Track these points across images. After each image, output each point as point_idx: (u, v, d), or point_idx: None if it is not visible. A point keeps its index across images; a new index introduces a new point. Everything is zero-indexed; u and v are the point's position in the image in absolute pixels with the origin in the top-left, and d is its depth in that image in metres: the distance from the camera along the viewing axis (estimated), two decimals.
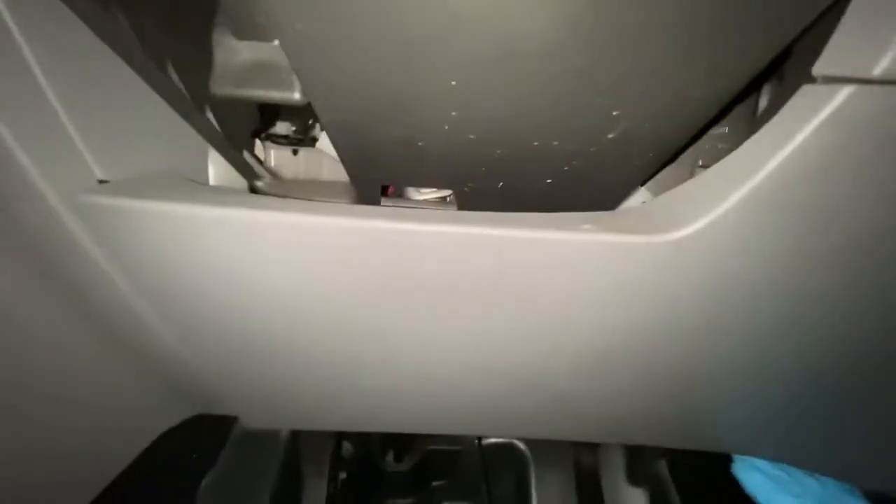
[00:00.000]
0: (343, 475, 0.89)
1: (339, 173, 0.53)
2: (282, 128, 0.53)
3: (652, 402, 0.43)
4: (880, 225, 0.25)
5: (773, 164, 0.24)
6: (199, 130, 0.34)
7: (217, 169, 0.41)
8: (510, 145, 0.28)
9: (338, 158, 0.50)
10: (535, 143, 0.27)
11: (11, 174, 0.26)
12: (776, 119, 0.24)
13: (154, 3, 0.27)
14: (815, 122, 0.22)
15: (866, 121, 0.21)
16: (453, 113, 0.25)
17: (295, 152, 0.54)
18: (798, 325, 0.32)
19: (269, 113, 0.50)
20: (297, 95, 0.30)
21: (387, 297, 0.32)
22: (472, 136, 0.27)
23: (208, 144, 0.40)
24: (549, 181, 0.32)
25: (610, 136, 0.27)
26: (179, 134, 0.37)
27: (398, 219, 0.28)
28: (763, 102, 0.37)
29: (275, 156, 0.54)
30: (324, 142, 0.52)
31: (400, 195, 0.48)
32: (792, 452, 0.49)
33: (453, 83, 0.22)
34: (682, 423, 0.47)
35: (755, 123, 0.33)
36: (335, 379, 0.42)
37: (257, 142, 0.52)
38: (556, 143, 0.27)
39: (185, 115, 0.32)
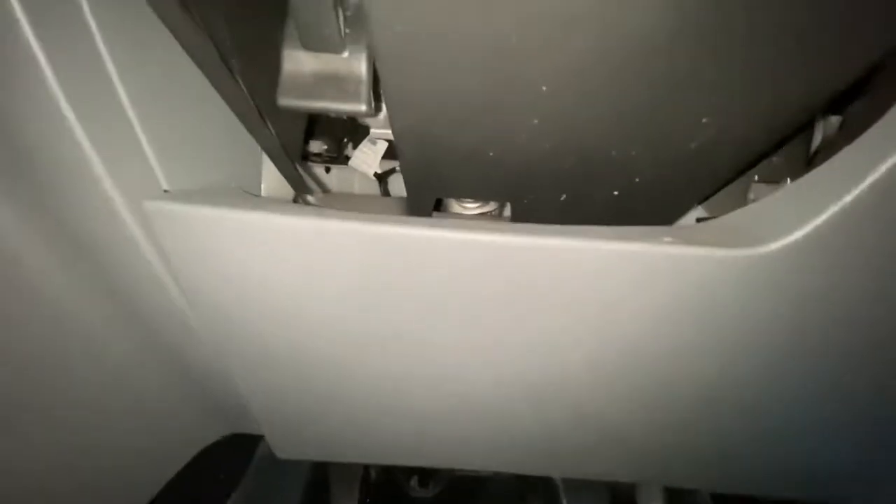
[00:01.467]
0: (369, 500, 0.87)
1: (369, 190, 0.53)
2: (315, 146, 0.54)
3: (712, 439, 0.41)
4: None
5: (874, 175, 0.22)
6: (260, 142, 0.34)
7: (267, 183, 0.41)
8: (586, 155, 0.27)
9: (369, 175, 0.50)
10: (613, 153, 0.27)
11: (84, 178, 0.26)
12: (877, 128, 0.23)
13: (227, 7, 0.27)
14: None
15: None
16: (535, 121, 0.24)
17: (328, 170, 0.54)
18: (886, 355, 0.30)
19: (305, 132, 0.51)
20: (364, 107, 0.30)
21: (435, 318, 0.31)
22: (548, 146, 0.26)
23: (262, 157, 0.40)
24: (615, 193, 0.31)
25: (693, 145, 0.26)
26: (239, 145, 0.37)
27: (469, 230, 0.27)
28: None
29: (308, 174, 0.54)
30: (355, 160, 0.52)
31: (443, 210, 0.48)
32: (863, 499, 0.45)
33: (544, 88, 0.22)
34: (741, 464, 0.44)
35: (843, 135, 0.32)
36: (372, 409, 0.41)
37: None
38: (634, 152, 0.26)
39: (248, 126, 0.32)
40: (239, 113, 0.31)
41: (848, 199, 0.23)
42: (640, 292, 0.28)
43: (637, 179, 0.30)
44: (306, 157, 0.53)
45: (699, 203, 0.40)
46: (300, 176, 0.39)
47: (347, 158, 0.52)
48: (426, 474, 0.91)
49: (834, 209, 0.24)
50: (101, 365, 0.37)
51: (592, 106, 0.24)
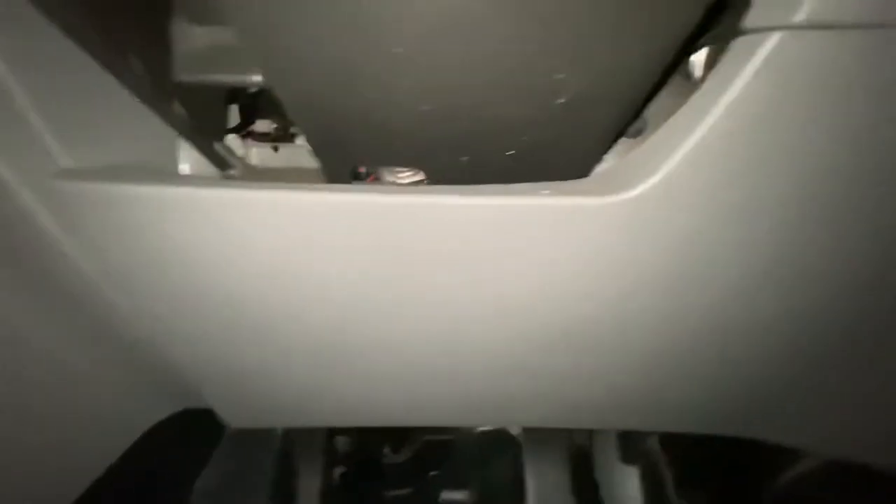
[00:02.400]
0: (341, 469, 0.90)
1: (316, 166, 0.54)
2: (262, 126, 0.54)
3: (627, 381, 0.44)
4: (830, 169, 0.26)
5: (712, 118, 0.24)
6: (167, 119, 0.34)
7: (188, 163, 0.42)
8: (468, 116, 0.28)
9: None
10: (493, 112, 0.28)
11: None
12: (713, 74, 0.24)
13: None
14: (749, 71, 0.22)
15: (797, 67, 0.22)
16: (406, 83, 0.25)
17: (275, 149, 0.55)
18: (762, 281, 0.32)
19: (250, 111, 0.51)
20: (257, 78, 0.31)
21: (355, 276, 0.33)
22: (427, 108, 0.27)
23: (177, 137, 0.41)
24: (511, 153, 0.33)
25: (560, 100, 0.27)
26: (148, 125, 0.37)
27: (358, 192, 0.28)
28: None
29: (256, 153, 0.55)
30: (303, 138, 0.53)
31: (378, 180, 0.49)
32: (776, 428, 0.49)
33: (399, 51, 0.23)
34: (659, 403, 0.47)
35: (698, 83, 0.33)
36: (312, 369, 0.42)
37: (238, 139, 0.52)
38: (509, 110, 0.28)
39: (152, 105, 0.33)
40: (137, 92, 0.32)
41: (694, 140, 0.25)
42: (524, 244, 0.30)
43: (524, 138, 0.32)
44: (254, 136, 0.53)
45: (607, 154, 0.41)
46: (217, 153, 0.40)
47: (294, 136, 0.53)
48: (398, 441, 0.94)
49: (683, 152, 0.26)
50: (24, 351, 0.38)
51: (448, 68, 0.25)
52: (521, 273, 0.32)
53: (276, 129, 0.54)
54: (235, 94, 0.48)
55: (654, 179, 0.27)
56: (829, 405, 0.44)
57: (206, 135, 0.39)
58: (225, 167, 0.41)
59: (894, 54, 0.22)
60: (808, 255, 0.31)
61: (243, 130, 0.52)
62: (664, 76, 0.28)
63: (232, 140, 0.51)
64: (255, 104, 0.51)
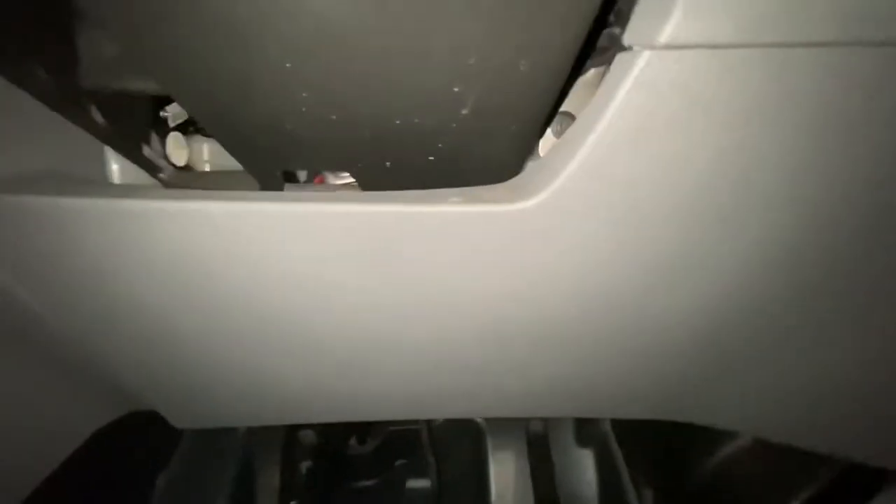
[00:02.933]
0: (307, 463, 0.91)
1: None
2: None
3: (559, 373, 0.46)
4: (708, 177, 0.28)
5: (598, 130, 0.26)
6: (84, 126, 0.34)
7: (116, 167, 0.42)
8: (374, 125, 0.29)
9: None
10: (397, 122, 0.29)
11: None
12: (601, 87, 0.25)
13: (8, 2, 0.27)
14: (625, 87, 0.24)
15: (667, 83, 0.23)
16: (304, 94, 0.26)
17: None
18: (660, 280, 0.34)
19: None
20: (156, 84, 0.31)
21: (280, 280, 0.34)
22: (333, 117, 0.28)
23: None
24: (430, 158, 0.34)
25: (464, 111, 0.28)
26: (73, 130, 0.37)
27: (257, 201, 0.29)
28: None
29: (208, 149, 0.54)
30: None
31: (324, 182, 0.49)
32: (706, 412, 0.52)
33: (288, 65, 0.23)
34: (592, 391, 0.49)
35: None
36: (247, 370, 0.43)
37: (181, 137, 0.52)
38: (416, 120, 0.29)
39: (63, 112, 0.32)
40: (45, 100, 0.31)
41: (584, 152, 0.27)
42: (437, 249, 0.31)
43: (440, 145, 0.32)
44: (204, 132, 0.53)
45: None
46: (144, 157, 0.40)
47: None
48: (363, 433, 0.96)
49: (575, 163, 0.27)
50: None
51: (341, 80, 0.25)
52: (441, 275, 0.34)
53: None
54: None
55: (551, 188, 0.28)
56: (746, 391, 0.47)
57: (130, 140, 0.38)
58: (154, 171, 0.41)
59: (757, 71, 0.23)
60: (700, 253, 0.33)
61: (191, 126, 0.51)
62: (574, 76, 0.29)
63: (177, 138, 0.50)
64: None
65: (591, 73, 0.37)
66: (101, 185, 0.38)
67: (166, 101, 0.47)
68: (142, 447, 0.73)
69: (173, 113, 0.48)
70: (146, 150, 0.41)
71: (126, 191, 0.35)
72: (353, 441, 0.96)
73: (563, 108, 0.39)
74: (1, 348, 0.40)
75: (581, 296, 0.35)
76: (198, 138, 0.52)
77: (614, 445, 0.79)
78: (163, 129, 0.47)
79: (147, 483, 0.75)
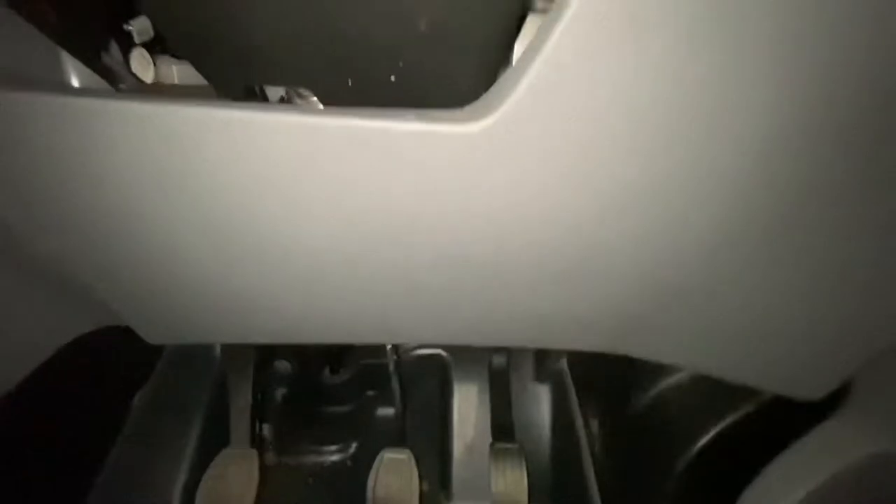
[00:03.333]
0: (282, 390, 0.96)
1: None
2: None
3: (514, 300, 0.49)
4: (655, 105, 0.29)
5: (547, 48, 0.26)
6: (38, 25, 0.33)
7: (74, 76, 0.41)
8: (332, 38, 0.29)
9: None
10: (358, 34, 0.29)
11: None
12: (552, 8, 0.26)
13: None
14: (573, 6, 0.24)
15: (608, 4, 0.24)
16: (264, 2, 0.26)
17: None
18: (612, 205, 0.36)
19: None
20: None
21: (229, 190, 0.35)
22: (291, 27, 0.28)
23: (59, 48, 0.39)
24: (392, 78, 0.34)
25: (421, 27, 0.28)
26: (24, 36, 0.36)
27: (231, 108, 0.30)
28: None
29: (178, 71, 0.53)
30: None
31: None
32: (648, 347, 0.56)
33: None
34: (542, 320, 0.52)
35: None
36: (207, 283, 0.44)
37: (146, 55, 0.50)
38: (375, 32, 0.29)
39: (19, 9, 0.31)
40: None
41: (534, 69, 0.28)
42: (395, 166, 0.32)
43: (399, 63, 0.33)
44: (171, 52, 0.51)
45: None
46: (104, 65, 0.39)
47: None
48: (336, 364, 1.00)
49: (525, 83, 0.28)
50: None
51: None
52: (396, 195, 0.35)
53: None
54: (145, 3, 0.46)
55: (502, 109, 0.29)
56: (690, 327, 0.51)
57: (87, 42, 0.37)
58: (114, 81, 0.40)
59: None
60: (652, 178, 0.34)
61: (159, 45, 0.49)
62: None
63: (142, 54, 0.49)
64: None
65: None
66: (60, 85, 0.37)
67: (129, 14, 0.45)
68: (117, 366, 0.76)
69: (138, 28, 0.46)
70: (105, 59, 0.41)
71: (87, 91, 0.35)
72: (325, 372, 1.01)
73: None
74: None
75: (534, 221, 0.37)
76: (166, 59, 0.51)
77: (568, 381, 0.85)
78: (126, 43, 0.45)
79: (122, 402, 0.79)
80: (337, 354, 1.01)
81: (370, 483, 0.74)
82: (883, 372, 0.52)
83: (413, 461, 0.77)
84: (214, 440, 0.76)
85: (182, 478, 0.72)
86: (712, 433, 0.63)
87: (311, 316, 0.52)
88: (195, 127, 0.31)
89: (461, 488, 0.82)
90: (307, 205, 0.37)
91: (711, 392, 0.62)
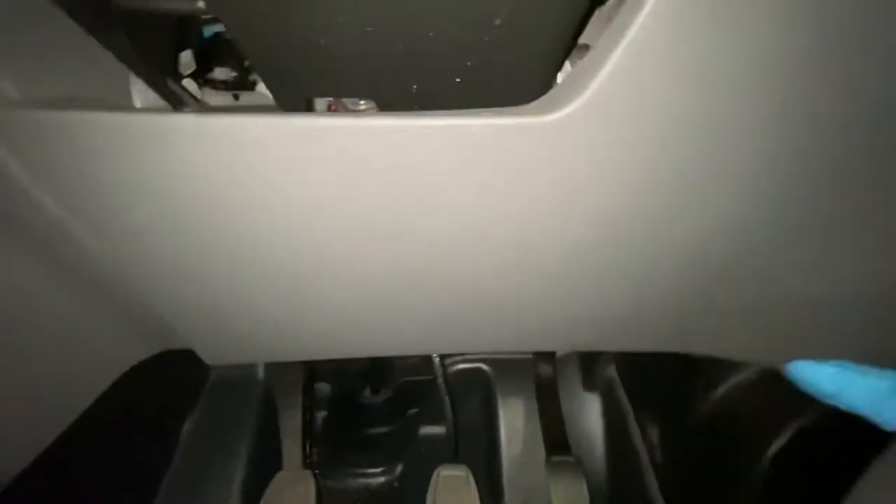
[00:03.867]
0: (324, 413, 0.95)
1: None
2: (221, 73, 0.53)
3: (577, 301, 0.48)
4: (733, 96, 0.28)
5: (630, 35, 0.26)
6: (113, 50, 0.34)
7: (141, 100, 0.42)
8: (407, 37, 0.30)
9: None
10: (431, 34, 0.29)
11: None
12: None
13: None
14: None
15: None
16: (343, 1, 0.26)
17: (236, 97, 0.55)
18: (691, 195, 0.35)
19: (206, 58, 0.50)
20: (200, 4, 0.31)
21: (295, 204, 0.35)
22: (368, 28, 0.29)
23: (129, 73, 0.41)
24: (457, 80, 0.35)
25: (497, 21, 0.29)
26: (98, 61, 0.37)
27: (311, 118, 0.30)
28: None
29: (215, 100, 0.54)
30: (264, 85, 0.53)
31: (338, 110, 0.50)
32: (712, 342, 0.54)
33: None
34: (604, 322, 0.51)
35: None
36: (282, 301, 0.45)
37: (194, 85, 0.52)
38: (450, 31, 0.29)
39: (93, 32, 0.32)
40: (76, 16, 0.32)
41: (613, 59, 0.27)
42: (468, 162, 0.32)
43: (469, 63, 0.33)
44: (212, 84, 0.53)
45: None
46: (169, 88, 0.40)
47: (254, 84, 0.53)
48: (377, 384, 0.99)
49: (606, 71, 0.28)
50: None
51: None
52: (466, 194, 0.35)
53: (236, 76, 0.54)
54: (188, 38, 0.48)
55: (581, 98, 0.29)
56: (750, 317, 0.49)
57: (156, 69, 0.39)
58: (177, 103, 0.42)
59: None
60: (728, 170, 0.34)
61: (200, 77, 0.51)
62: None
63: (188, 85, 0.51)
64: (211, 50, 0.51)
65: (608, 4, 0.38)
66: (131, 107, 0.39)
67: (178, 48, 0.47)
68: (169, 391, 0.76)
69: (184, 61, 0.48)
70: (171, 84, 0.42)
71: (157, 111, 0.36)
72: (366, 392, 1.00)
73: (581, 41, 0.39)
74: (45, 280, 0.42)
75: (607, 215, 0.37)
76: (206, 91, 0.53)
77: (619, 387, 0.82)
78: (175, 76, 0.47)
79: (174, 426, 0.79)
80: (377, 374, 1.00)
81: (429, 499, 0.72)
82: None
83: (471, 477, 0.74)
84: (264, 464, 0.75)
85: (237, 499, 0.71)
86: (787, 436, 0.60)
87: (368, 330, 0.51)
88: (260, 138, 0.31)
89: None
90: (374, 213, 0.36)
91: (783, 390, 0.59)
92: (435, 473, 0.76)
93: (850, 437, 0.55)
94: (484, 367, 0.92)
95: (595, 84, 0.28)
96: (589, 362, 0.88)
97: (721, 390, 0.67)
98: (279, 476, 0.71)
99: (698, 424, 0.69)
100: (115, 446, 0.64)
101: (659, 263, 0.43)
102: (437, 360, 0.82)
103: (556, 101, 0.30)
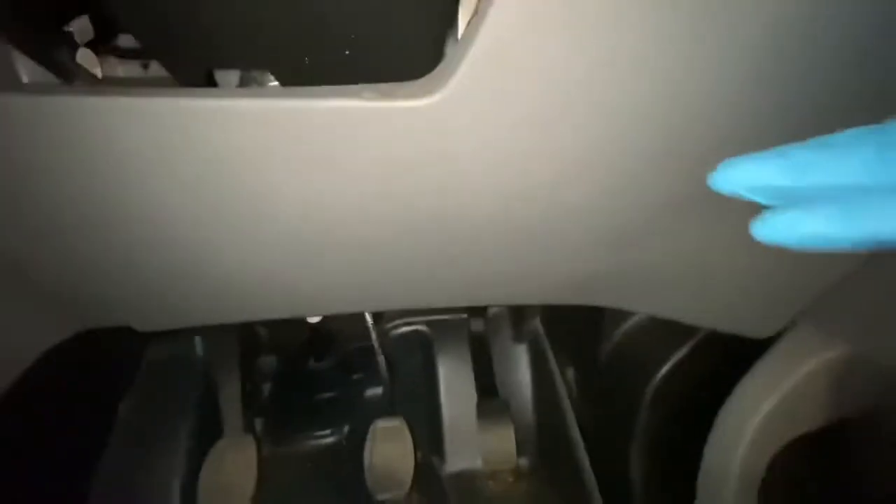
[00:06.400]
0: (269, 385, 0.97)
1: None
2: (127, 40, 0.52)
3: (479, 262, 0.51)
4: (602, 70, 0.31)
5: (489, 18, 0.29)
6: None
7: (26, 72, 0.41)
8: (287, 13, 0.31)
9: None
10: (310, 7, 0.31)
11: None
12: None
13: None
14: None
15: None
16: None
17: (145, 66, 0.53)
18: (564, 170, 0.39)
19: (107, 24, 0.49)
20: None
21: (212, 176, 0.36)
22: (246, 2, 0.30)
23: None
24: (347, 53, 0.37)
25: None
26: None
27: (180, 96, 0.31)
28: None
29: (123, 70, 0.53)
30: None
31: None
32: (616, 295, 0.60)
33: None
34: (510, 278, 0.55)
35: None
36: (195, 266, 0.46)
37: (92, 55, 0.50)
38: (326, 6, 0.31)
39: None
40: None
41: (476, 47, 0.30)
42: (355, 143, 0.35)
43: (352, 35, 0.35)
44: (118, 52, 0.51)
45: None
46: (55, 59, 0.40)
47: None
48: (320, 353, 1.02)
49: (470, 56, 0.30)
50: None
51: None
52: (358, 172, 0.37)
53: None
54: (86, 2, 0.46)
55: (452, 82, 0.31)
56: (646, 275, 0.55)
57: (38, 43, 0.38)
58: (69, 77, 0.41)
59: None
60: (607, 142, 0.37)
61: (102, 45, 0.50)
62: None
63: (87, 54, 0.49)
64: (112, 16, 0.49)
65: None
66: (19, 83, 0.38)
67: (68, 16, 0.45)
68: (101, 371, 0.75)
69: (79, 28, 0.47)
70: (57, 56, 0.41)
71: (49, 87, 0.35)
72: (310, 361, 1.03)
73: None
74: None
75: (495, 189, 0.40)
76: (110, 59, 0.51)
77: (543, 339, 0.91)
78: (70, 45, 0.46)
79: (107, 411, 0.78)
80: (319, 343, 1.03)
81: (366, 453, 0.77)
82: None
83: (406, 427, 0.80)
84: (207, 436, 0.77)
85: (179, 473, 0.72)
86: (672, 362, 0.70)
87: (293, 292, 0.54)
88: (169, 115, 0.33)
89: (453, 450, 0.86)
90: (278, 186, 0.38)
91: (667, 328, 0.68)
92: (372, 427, 0.81)
93: (724, 358, 0.66)
94: (423, 328, 0.98)
95: (462, 69, 0.30)
96: (518, 317, 0.95)
97: (620, 331, 0.76)
98: (219, 443, 0.74)
99: (604, 361, 0.79)
100: (38, 431, 0.63)
101: (551, 229, 0.47)
102: (370, 321, 0.86)
103: (428, 86, 0.32)
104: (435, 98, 0.32)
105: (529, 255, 0.52)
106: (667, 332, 0.70)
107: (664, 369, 0.69)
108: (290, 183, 0.38)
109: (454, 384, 0.91)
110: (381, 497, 0.76)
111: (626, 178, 0.42)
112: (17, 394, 0.52)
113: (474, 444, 0.84)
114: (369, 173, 0.38)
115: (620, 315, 0.77)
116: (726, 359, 0.66)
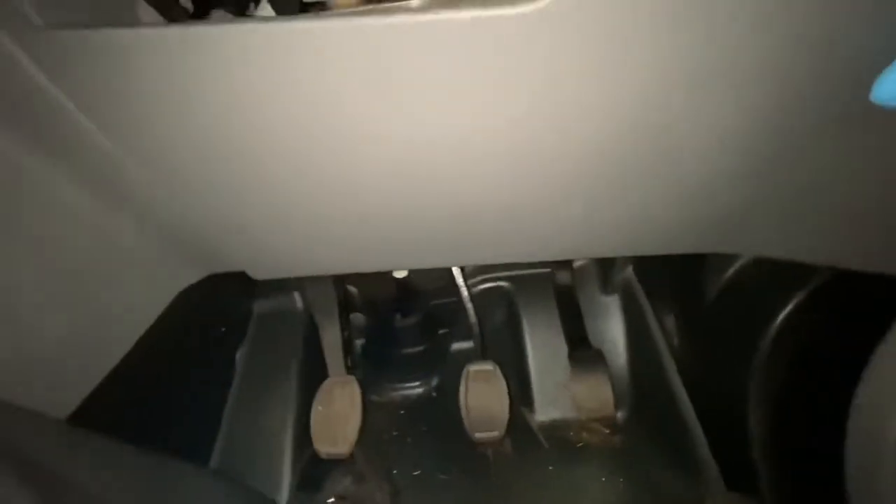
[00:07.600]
0: (360, 340, 1.02)
1: None
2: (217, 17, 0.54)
3: (589, 208, 0.48)
4: None
5: None
6: None
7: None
8: None
9: None
10: None
11: None
12: None
13: None
14: None
15: None
16: None
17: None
18: (678, 99, 0.34)
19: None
20: None
21: (316, 112, 0.36)
22: None
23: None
24: None
25: None
26: None
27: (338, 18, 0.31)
28: None
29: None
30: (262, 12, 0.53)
31: None
32: (726, 240, 0.54)
33: None
34: (621, 228, 0.51)
35: None
36: (317, 214, 0.47)
37: None
38: None
39: None
40: None
41: None
42: (457, 60, 0.33)
43: None
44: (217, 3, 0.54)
45: None
46: (180, 9, 0.42)
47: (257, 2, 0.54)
48: (406, 309, 1.05)
49: None
50: (55, 212, 0.43)
51: None
52: (462, 94, 0.35)
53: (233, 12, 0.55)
54: None
55: None
56: (757, 216, 0.49)
57: None
58: (172, 15, 0.44)
59: None
60: (727, 66, 0.32)
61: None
62: None
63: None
64: None
65: None
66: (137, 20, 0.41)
67: None
68: (217, 324, 0.84)
69: None
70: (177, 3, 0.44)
71: (167, 25, 0.37)
72: (398, 318, 1.06)
73: None
74: (92, 202, 0.46)
75: (607, 118, 0.36)
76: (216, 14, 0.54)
77: (638, 287, 0.85)
78: None
79: (228, 355, 0.87)
80: (405, 300, 1.05)
81: (461, 394, 0.79)
82: None
83: (498, 370, 0.81)
84: (314, 380, 0.84)
85: (293, 408, 0.79)
86: (789, 307, 0.62)
87: (388, 242, 0.54)
88: (279, 44, 0.33)
89: (544, 400, 0.85)
90: (385, 117, 0.38)
91: (781, 268, 0.60)
92: (465, 370, 0.82)
93: (857, 298, 0.57)
94: (505, 284, 0.97)
95: None
96: (606, 268, 0.90)
97: (726, 276, 0.69)
98: (326, 382, 0.79)
99: (709, 309, 0.72)
100: (176, 371, 0.71)
101: (668, 169, 0.43)
102: (459, 278, 0.86)
103: None
104: (540, 3, 0.30)
105: (634, 199, 0.47)
106: (778, 275, 0.63)
107: (780, 315, 0.62)
108: (395, 115, 0.38)
109: (540, 336, 0.90)
110: (478, 436, 0.78)
111: (762, 98, 0.35)
112: (155, 333, 0.57)
113: (566, 393, 0.82)
114: (473, 97, 0.36)
115: (725, 258, 0.70)
116: (852, 301, 0.57)
